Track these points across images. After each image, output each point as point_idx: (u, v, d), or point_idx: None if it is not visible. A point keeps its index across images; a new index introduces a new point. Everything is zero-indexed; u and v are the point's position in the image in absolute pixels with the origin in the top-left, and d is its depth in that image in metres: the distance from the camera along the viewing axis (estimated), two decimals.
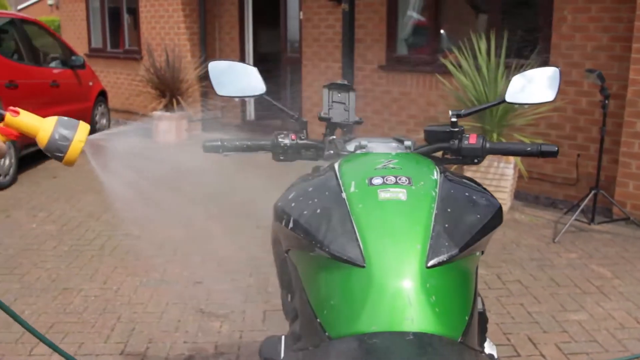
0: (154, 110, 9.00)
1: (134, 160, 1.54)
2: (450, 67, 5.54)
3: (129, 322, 3.42)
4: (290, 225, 1.29)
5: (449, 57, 5.78)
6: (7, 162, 6.39)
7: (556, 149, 1.62)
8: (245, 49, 9.31)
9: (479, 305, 1.49)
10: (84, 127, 1.08)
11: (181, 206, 5.62)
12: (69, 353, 3.08)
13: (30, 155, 7.16)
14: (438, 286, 1.16)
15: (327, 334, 1.18)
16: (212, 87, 1.66)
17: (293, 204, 1.32)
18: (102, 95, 9.23)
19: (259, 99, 1.73)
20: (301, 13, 8.31)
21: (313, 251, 1.25)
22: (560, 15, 5.59)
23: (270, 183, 5.79)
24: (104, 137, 1.44)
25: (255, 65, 1.72)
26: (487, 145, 1.64)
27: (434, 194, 1.28)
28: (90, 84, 8.72)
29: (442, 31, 6.97)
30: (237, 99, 1.70)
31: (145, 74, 9.14)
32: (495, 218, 1.30)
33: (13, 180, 6.48)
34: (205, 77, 9.35)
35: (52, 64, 7.96)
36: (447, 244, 1.19)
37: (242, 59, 9.15)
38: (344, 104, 1.71)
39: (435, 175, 1.35)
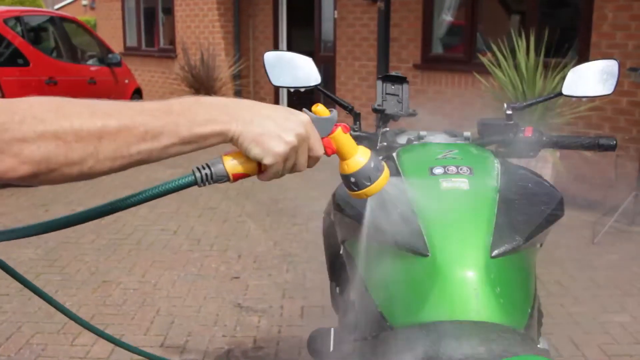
0: None
1: None
2: (489, 64, 5.49)
3: (167, 315, 3.44)
4: (351, 214, 1.29)
5: (486, 56, 5.73)
6: None
7: (615, 142, 1.60)
8: (279, 47, 9.34)
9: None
10: (387, 173, 1.01)
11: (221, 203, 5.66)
12: (109, 346, 3.12)
13: None
14: (502, 276, 1.14)
15: (388, 323, 1.18)
16: (267, 78, 1.65)
17: None
18: (138, 92, 9.33)
19: (308, 91, 1.73)
20: (335, 12, 8.31)
21: (374, 241, 1.25)
22: (601, 13, 5.51)
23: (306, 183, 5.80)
24: None
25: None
26: (544, 138, 1.62)
27: (496, 184, 1.26)
28: (126, 81, 8.82)
29: (478, 32, 6.91)
30: (292, 89, 1.69)
31: (180, 72, 9.22)
32: (557, 209, 1.28)
33: None
34: (238, 76, 9.42)
35: (90, 62, 8.07)
36: (510, 234, 1.17)
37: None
38: (398, 95, 1.70)
39: (496, 166, 1.33)
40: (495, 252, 1.14)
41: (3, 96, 5.91)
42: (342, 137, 0.98)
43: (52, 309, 1.43)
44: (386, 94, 1.71)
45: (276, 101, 9.52)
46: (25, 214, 5.30)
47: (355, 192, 1.02)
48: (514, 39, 5.40)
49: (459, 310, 1.10)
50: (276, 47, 9.31)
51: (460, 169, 1.28)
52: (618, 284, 3.87)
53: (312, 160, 0.95)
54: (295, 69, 1.67)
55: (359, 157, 0.99)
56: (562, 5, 6.58)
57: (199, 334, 3.23)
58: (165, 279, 3.95)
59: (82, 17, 18.90)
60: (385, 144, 1.65)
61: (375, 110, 1.70)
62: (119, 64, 8.42)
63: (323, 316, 3.42)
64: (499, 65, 5.44)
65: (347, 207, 1.31)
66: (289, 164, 0.91)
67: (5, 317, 3.41)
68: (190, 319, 3.40)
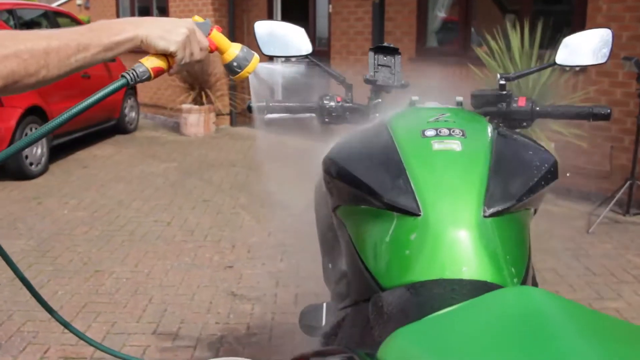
0: (182, 104, 9.05)
1: None
2: (483, 55, 5.48)
3: (160, 304, 3.42)
4: (342, 176, 1.26)
5: (481, 49, 5.72)
6: (40, 151, 6.45)
7: (609, 111, 1.58)
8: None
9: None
10: (257, 59, 1.30)
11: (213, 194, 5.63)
12: (101, 333, 3.09)
13: (61, 145, 7.24)
14: (494, 236, 1.12)
15: (381, 286, 1.16)
16: (258, 48, 1.63)
17: (344, 156, 1.29)
18: (132, 88, 9.29)
19: None
20: (330, 6, 8.29)
21: (365, 203, 1.22)
22: (595, 5, 5.50)
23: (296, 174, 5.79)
24: None
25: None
26: (537, 108, 1.60)
27: (488, 145, 1.24)
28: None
29: (472, 25, 6.90)
30: (282, 60, 1.67)
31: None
32: (552, 172, 1.26)
33: (44, 170, 6.54)
34: None
35: None
36: (503, 194, 1.15)
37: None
38: (390, 67, 1.68)
39: (489, 129, 1.31)
40: (487, 212, 1.12)
41: None
42: (219, 35, 1.26)
43: (43, 296, 1.40)
44: (378, 65, 1.69)
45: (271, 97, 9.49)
46: (18, 207, 5.26)
47: (239, 74, 1.29)
48: (508, 30, 5.39)
49: (451, 270, 1.08)
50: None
51: (453, 131, 1.26)
52: (613, 272, 3.86)
53: (203, 51, 1.21)
54: (286, 38, 1.65)
55: (234, 48, 1.27)
56: None
57: (192, 321, 3.21)
58: (159, 268, 3.93)
59: (77, 16, 18.85)
60: (377, 114, 1.63)
61: (367, 82, 1.68)
62: (112, 59, 8.37)
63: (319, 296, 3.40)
64: (494, 57, 5.43)
65: (337, 171, 1.28)
66: (188, 52, 1.17)
67: None
68: (184, 307, 3.38)
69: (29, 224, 4.79)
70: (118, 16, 11.77)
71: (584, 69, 5.52)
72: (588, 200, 5.46)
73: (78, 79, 7.38)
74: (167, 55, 1.16)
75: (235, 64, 1.27)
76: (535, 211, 1.35)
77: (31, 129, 6.28)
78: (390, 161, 1.22)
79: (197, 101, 8.98)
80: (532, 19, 5.57)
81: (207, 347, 2.95)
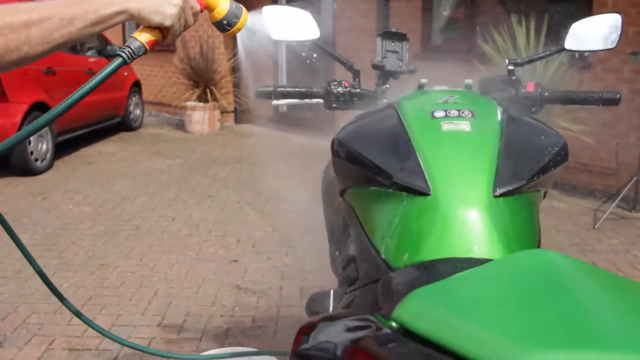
0: (187, 101, 9.05)
1: None
2: (489, 51, 5.46)
3: (165, 297, 3.42)
4: (351, 157, 1.26)
5: (487, 45, 5.70)
6: (45, 147, 6.46)
7: (618, 95, 1.57)
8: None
9: None
10: (245, 14, 1.30)
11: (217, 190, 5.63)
12: (106, 325, 3.09)
13: (66, 142, 7.25)
14: (504, 216, 1.12)
15: (389, 266, 1.15)
16: (268, 32, 1.62)
17: (353, 137, 1.29)
18: (137, 85, 9.30)
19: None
20: (335, 3, 8.28)
21: (375, 184, 1.22)
22: (601, 0, 5.48)
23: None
24: None
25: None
26: (546, 93, 1.59)
27: (498, 126, 1.23)
28: (125, 74, 8.79)
29: (478, 21, 6.88)
30: (291, 42, 1.67)
31: (179, 64, 9.19)
32: (562, 154, 1.25)
33: (49, 166, 6.55)
34: (238, 68, 9.38)
35: (89, 53, 8.04)
36: (513, 175, 1.15)
37: (276, 51, 9.15)
38: (398, 52, 1.68)
39: (498, 110, 1.30)
40: (498, 192, 1.12)
41: (1, 84, 5.88)
42: None
43: (49, 291, 1.42)
44: (386, 50, 1.68)
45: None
46: (23, 202, 5.27)
47: (230, 31, 1.28)
48: (514, 25, 5.37)
49: (461, 249, 1.07)
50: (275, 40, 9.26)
51: (462, 112, 1.25)
52: (619, 267, 3.84)
53: (195, 16, 1.19)
54: (293, 22, 1.64)
55: (223, 4, 1.25)
56: None
57: (197, 314, 3.21)
58: (163, 262, 3.93)
59: None
60: (385, 100, 1.62)
61: (375, 67, 1.67)
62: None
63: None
64: (500, 53, 5.41)
65: (346, 152, 1.28)
66: (182, 22, 1.15)
67: (2, 298, 3.39)
68: (189, 300, 3.37)
69: (34, 219, 4.80)
70: (123, 23, 11.75)
71: (587, 66, 5.50)
72: (593, 196, 5.44)
73: (83, 75, 7.41)
74: (160, 27, 1.14)
75: (225, 22, 1.26)
76: (545, 194, 1.34)
77: None
78: (399, 142, 1.22)
79: (202, 98, 8.98)
80: (538, 14, 5.56)
81: (213, 339, 2.95)
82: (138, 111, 9.37)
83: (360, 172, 1.25)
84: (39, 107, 6.34)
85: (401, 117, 1.29)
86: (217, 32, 8.75)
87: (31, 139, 6.15)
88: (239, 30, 1.29)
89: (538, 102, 1.59)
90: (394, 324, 0.75)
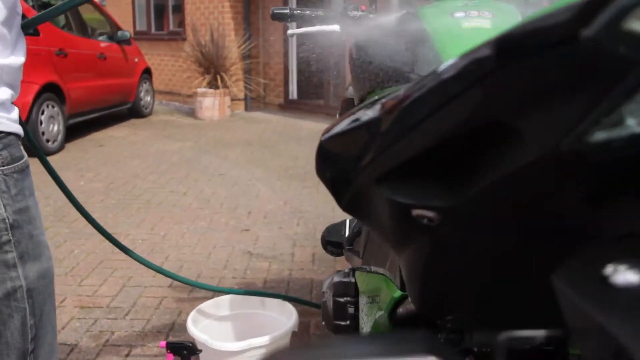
0: (197, 87, 9.05)
1: None
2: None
3: (177, 261, 3.40)
4: (371, 59, 1.23)
5: None
6: (56, 128, 6.47)
7: None
8: (288, 27, 9.29)
9: None
10: None
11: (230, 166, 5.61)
12: (117, 286, 3.08)
13: (77, 125, 7.25)
14: None
15: None
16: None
17: (373, 40, 1.27)
18: (147, 72, 9.31)
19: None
20: None
21: (396, 83, 1.19)
22: None
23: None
24: None
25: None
26: None
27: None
28: (136, 60, 8.80)
29: None
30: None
31: (189, 51, 9.19)
32: None
33: (60, 147, 6.55)
34: (248, 56, 9.37)
35: (100, 38, 8.05)
36: None
37: (285, 38, 9.14)
38: None
39: (518, 13, 1.28)
40: None
41: None
42: None
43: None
44: None
45: (285, 83, 9.48)
46: (35, 180, 5.24)
47: None
48: None
49: None
50: (286, 27, 9.26)
51: (482, 12, 1.23)
52: None
53: None
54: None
55: None
56: None
57: (209, 276, 3.19)
58: (175, 231, 3.91)
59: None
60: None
61: None
62: (128, 41, 8.40)
63: (336, 261, 3.37)
64: None
65: (366, 54, 1.25)
66: None
67: None
68: (200, 264, 3.36)
69: (46, 194, 4.78)
70: (134, 12, 11.81)
71: None
72: None
73: (94, 59, 7.42)
74: None
75: None
76: None
77: (48, 106, 6.29)
78: (420, 40, 1.20)
79: (212, 85, 8.98)
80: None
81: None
82: (149, 98, 9.38)
83: (380, 73, 1.23)
84: (51, 88, 6.35)
85: (420, 19, 1.26)
86: (228, 19, 8.73)
87: (42, 119, 6.16)
88: None
89: None
90: None
